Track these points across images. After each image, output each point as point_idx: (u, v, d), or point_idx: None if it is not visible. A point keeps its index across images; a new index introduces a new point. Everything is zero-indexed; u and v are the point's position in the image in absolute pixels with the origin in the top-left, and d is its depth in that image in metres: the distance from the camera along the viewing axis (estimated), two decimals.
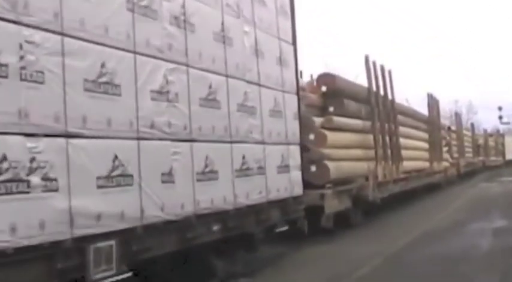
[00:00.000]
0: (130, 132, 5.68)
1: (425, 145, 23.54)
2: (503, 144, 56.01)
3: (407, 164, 18.88)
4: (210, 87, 7.14)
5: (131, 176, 5.60)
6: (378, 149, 15.14)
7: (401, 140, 18.49)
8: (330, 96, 13.43)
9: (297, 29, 10.10)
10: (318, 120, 12.53)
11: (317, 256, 9.96)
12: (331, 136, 12.40)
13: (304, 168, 11.39)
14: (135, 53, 5.85)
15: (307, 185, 11.32)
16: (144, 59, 5.99)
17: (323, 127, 12.50)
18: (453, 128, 34.29)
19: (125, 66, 5.68)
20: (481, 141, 46.48)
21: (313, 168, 11.65)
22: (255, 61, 8.40)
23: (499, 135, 55.86)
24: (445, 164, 27.46)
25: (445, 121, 34.74)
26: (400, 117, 19.21)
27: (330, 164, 11.89)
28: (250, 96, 8.11)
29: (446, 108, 44.90)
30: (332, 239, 11.31)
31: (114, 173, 5.37)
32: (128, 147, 5.65)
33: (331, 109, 13.38)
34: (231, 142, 7.53)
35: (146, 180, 5.79)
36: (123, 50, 5.68)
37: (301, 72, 15.74)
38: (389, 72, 18.00)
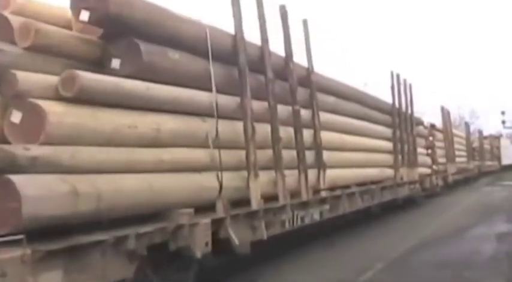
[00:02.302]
0: None
1: (388, 145, 16.41)
2: (498, 148, 49.01)
3: (341, 174, 11.80)
4: None
5: None
6: (251, 148, 8.00)
7: (329, 135, 11.41)
8: (112, 37, 6.34)
9: None
10: (39, 80, 5.37)
11: None
12: (69, 116, 5.20)
13: None
14: None
15: None
16: None
17: (52, 97, 5.33)
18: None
19: None
20: (476, 144, 39.63)
21: None
22: None
23: (494, 138, 49.18)
24: (423, 170, 20.51)
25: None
26: (331, 100, 12.14)
27: (27, 182, 4.71)
28: None
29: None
30: None
31: None
32: None
33: (115, 64, 6.27)
34: None
35: None
36: None
37: None
38: (305, 23, 10.92)
